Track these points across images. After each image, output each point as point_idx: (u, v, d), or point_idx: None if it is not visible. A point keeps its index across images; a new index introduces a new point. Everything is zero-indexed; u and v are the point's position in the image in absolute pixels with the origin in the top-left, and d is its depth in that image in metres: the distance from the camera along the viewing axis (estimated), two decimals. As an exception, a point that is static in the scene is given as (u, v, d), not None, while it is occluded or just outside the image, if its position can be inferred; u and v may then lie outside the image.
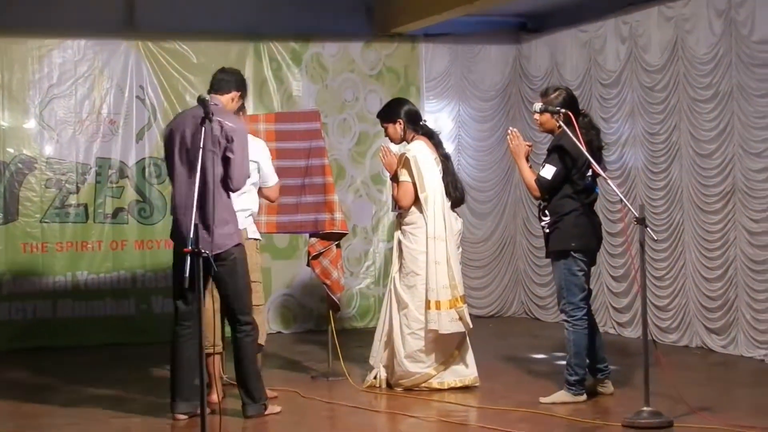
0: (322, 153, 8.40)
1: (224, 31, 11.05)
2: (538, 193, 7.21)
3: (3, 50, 10.44)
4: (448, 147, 11.18)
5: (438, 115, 11.68)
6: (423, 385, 7.75)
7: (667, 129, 9.66)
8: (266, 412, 6.93)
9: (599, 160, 7.18)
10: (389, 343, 7.82)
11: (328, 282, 8.32)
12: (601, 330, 7.55)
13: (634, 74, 10.08)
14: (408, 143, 7.93)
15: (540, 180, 7.16)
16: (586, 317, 7.18)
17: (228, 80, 7.12)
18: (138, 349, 9.95)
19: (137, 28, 10.89)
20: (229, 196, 6.73)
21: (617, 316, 10.32)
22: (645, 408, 6.49)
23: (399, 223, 7.90)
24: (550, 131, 7.31)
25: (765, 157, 8.63)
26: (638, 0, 10.01)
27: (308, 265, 8.46)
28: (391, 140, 8.03)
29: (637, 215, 6.60)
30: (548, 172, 7.12)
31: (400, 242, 7.84)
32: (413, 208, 7.77)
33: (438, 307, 7.63)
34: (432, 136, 8.02)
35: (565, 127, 7.06)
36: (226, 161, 6.63)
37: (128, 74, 10.72)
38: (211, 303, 6.88)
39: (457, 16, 10.74)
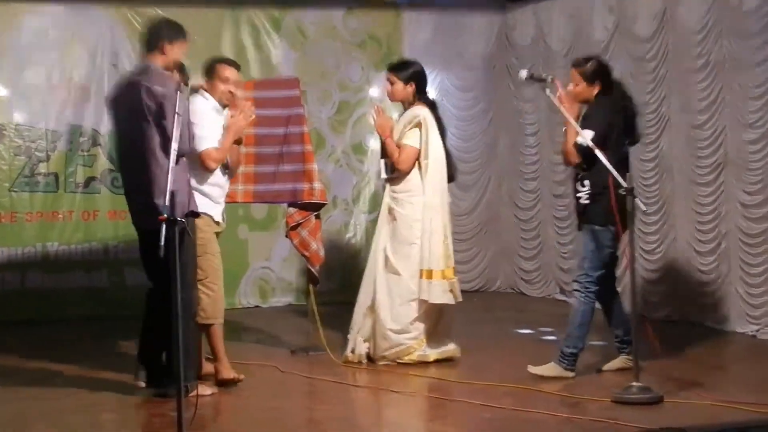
0: (302, 120, 8.32)
1: (202, -4, 10.90)
2: (576, 160, 7.05)
3: (-27, 14, 10.28)
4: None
5: (421, 85, 11.59)
6: (406, 358, 7.70)
7: (656, 100, 9.59)
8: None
9: (633, 130, 7.19)
10: (373, 315, 7.75)
11: (307, 254, 8.28)
12: (589, 305, 7.45)
13: (622, 45, 9.99)
14: (406, 109, 7.85)
15: (576, 146, 7.01)
16: (596, 294, 7.15)
17: (152, 34, 6.86)
18: (110, 322, 9.82)
19: (111, -7, 10.72)
20: (177, 163, 6.34)
21: (605, 290, 10.26)
22: (634, 383, 6.45)
23: (391, 189, 7.81)
24: (585, 101, 7.21)
25: (758, 127, 8.57)
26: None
27: (287, 236, 8.40)
28: (392, 97, 7.91)
29: (625, 185, 6.48)
30: (587, 136, 6.95)
31: (391, 210, 7.76)
32: (411, 175, 7.71)
33: (430, 277, 7.59)
34: (434, 107, 7.95)
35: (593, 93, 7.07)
36: (162, 127, 6.44)
37: (102, 41, 10.56)
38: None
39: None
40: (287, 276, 11.14)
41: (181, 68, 6.69)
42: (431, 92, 11.06)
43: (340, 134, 11.41)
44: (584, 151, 6.94)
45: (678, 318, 9.37)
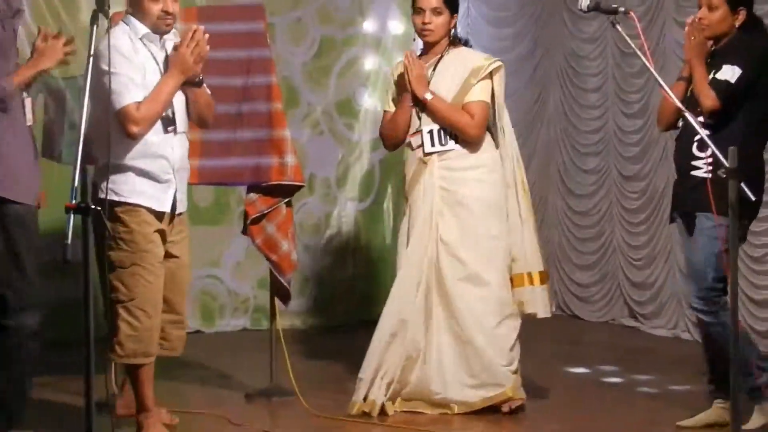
0: (269, 67, 8.32)
1: None
2: (713, 104, 6.97)
3: None
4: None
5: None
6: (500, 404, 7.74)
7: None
8: None
9: None
10: (404, 344, 7.74)
11: (274, 257, 8.31)
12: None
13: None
14: (435, 52, 7.98)
15: (716, 83, 7.00)
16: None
17: None
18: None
19: None
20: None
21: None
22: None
23: (443, 167, 7.88)
24: (720, 36, 7.20)
25: None
26: None
27: (245, 232, 8.43)
28: (432, 35, 7.94)
29: (727, 165, 6.19)
30: (731, 73, 6.99)
31: (450, 194, 7.85)
32: (484, 145, 7.92)
33: (531, 282, 7.88)
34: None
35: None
36: None
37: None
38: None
39: None
40: (242, 289, 11.22)
41: None
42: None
43: (321, 87, 11.47)
44: (727, 92, 6.95)
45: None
